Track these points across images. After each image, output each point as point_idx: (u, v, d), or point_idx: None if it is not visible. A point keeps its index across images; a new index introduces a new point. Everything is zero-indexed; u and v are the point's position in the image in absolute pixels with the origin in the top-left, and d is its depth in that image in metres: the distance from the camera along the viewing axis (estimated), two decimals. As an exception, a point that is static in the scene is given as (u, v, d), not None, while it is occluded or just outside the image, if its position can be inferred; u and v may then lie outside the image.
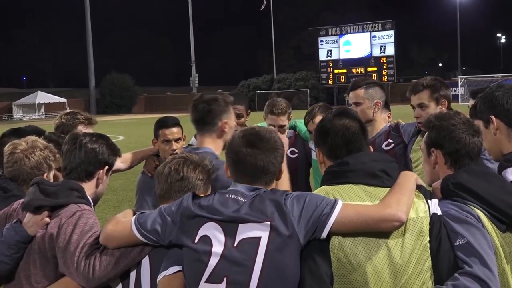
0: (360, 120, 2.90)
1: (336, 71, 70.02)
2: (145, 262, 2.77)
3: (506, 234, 2.68)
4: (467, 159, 2.84)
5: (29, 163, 3.53)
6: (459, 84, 55.95)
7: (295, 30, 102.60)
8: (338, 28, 71.55)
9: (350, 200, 2.61)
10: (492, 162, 3.81)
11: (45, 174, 3.53)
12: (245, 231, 2.55)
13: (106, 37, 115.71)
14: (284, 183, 3.02)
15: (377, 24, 68.62)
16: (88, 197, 3.18)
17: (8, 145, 3.63)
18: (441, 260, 2.54)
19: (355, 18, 74.73)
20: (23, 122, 53.80)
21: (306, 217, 2.54)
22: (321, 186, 2.82)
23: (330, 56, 70.73)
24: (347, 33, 70.40)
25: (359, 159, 2.73)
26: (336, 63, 70.13)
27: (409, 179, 2.69)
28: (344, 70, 69.26)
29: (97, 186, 3.28)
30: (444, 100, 4.43)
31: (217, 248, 2.56)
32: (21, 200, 3.17)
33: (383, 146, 4.66)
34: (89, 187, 3.22)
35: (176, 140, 4.65)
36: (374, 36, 68.21)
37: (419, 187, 2.72)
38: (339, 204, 2.54)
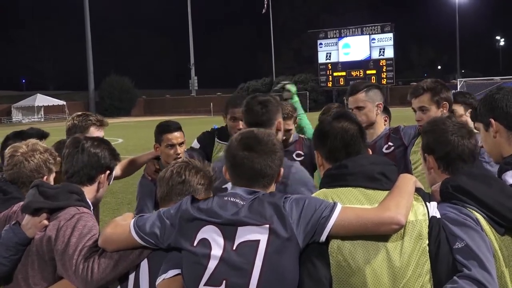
0: (359, 123, 2.90)
1: (335, 74, 70.14)
2: (144, 265, 2.76)
3: (504, 237, 2.68)
4: (460, 162, 2.84)
5: (29, 166, 3.54)
6: (458, 86, 55.94)
7: (294, 32, 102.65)
8: (337, 30, 71.68)
9: (349, 203, 2.61)
10: (492, 166, 3.82)
11: (45, 177, 3.54)
12: (244, 234, 2.55)
13: (105, 39, 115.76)
14: None
15: (376, 27, 68.73)
16: (88, 200, 3.18)
17: (8, 147, 3.65)
18: (440, 263, 2.54)
19: (354, 20, 74.78)
20: (22, 125, 53.76)
21: (305, 220, 2.53)
22: (320, 189, 2.81)
23: (329, 59, 70.84)
24: (346, 36, 70.53)
25: (358, 162, 2.73)
26: (335, 66, 70.24)
27: (408, 182, 2.69)
28: (343, 73, 69.37)
29: (97, 190, 3.28)
30: (445, 102, 4.40)
31: (216, 251, 2.55)
32: (21, 203, 3.17)
33: (384, 149, 4.65)
34: (90, 191, 3.23)
35: (180, 144, 4.67)
36: (373, 39, 68.33)
37: (418, 190, 2.71)
38: (338, 207, 2.54)
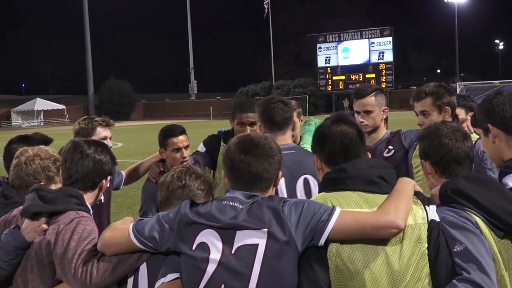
0: (358, 126, 2.90)
1: (334, 78, 70.10)
2: (143, 269, 2.77)
3: (504, 240, 2.67)
4: (455, 165, 2.84)
5: (26, 170, 3.57)
6: (458, 90, 55.83)
7: (293, 36, 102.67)
8: (336, 34, 71.66)
9: (348, 207, 2.61)
10: (494, 172, 3.81)
11: (41, 183, 3.53)
12: (242, 238, 2.55)
13: (105, 44, 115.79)
14: None
15: (375, 31, 68.76)
16: (88, 204, 3.18)
17: (19, 150, 3.71)
18: (440, 266, 2.54)
19: (353, 24, 74.80)
20: (22, 129, 53.81)
21: (304, 223, 2.53)
22: (319, 193, 2.81)
23: (329, 63, 70.82)
24: (345, 40, 70.52)
25: (357, 165, 2.73)
26: (335, 70, 70.22)
27: (407, 186, 2.68)
28: (343, 77, 69.34)
29: (98, 195, 3.30)
30: (447, 107, 4.37)
31: (215, 255, 2.55)
32: (21, 207, 3.18)
33: (384, 153, 4.64)
34: (91, 196, 3.23)
35: (186, 147, 4.70)
36: (373, 43, 68.33)
37: (417, 194, 2.71)
38: (337, 211, 2.54)
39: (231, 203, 2.65)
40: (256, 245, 2.53)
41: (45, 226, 2.99)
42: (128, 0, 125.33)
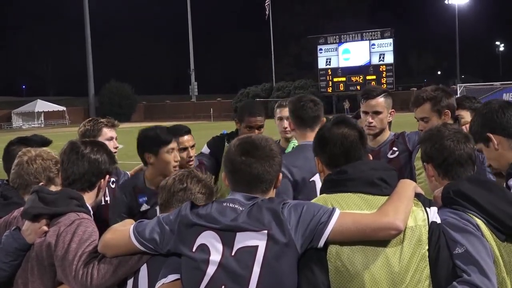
0: (359, 129, 2.89)
1: (335, 79, 70.03)
2: (143, 270, 2.77)
3: (505, 243, 2.67)
4: (458, 167, 2.84)
5: (27, 169, 3.58)
6: (458, 92, 55.79)
7: (294, 38, 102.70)
8: (337, 36, 71.63)
9: (348, 209, 2.61)
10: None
11: (41, 184, 3.53)
12: (242, 240, 2.55)
13: (105, 45, 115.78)
14: None
15: (376, 33, 68.72)
16: (88, 205, 3.18)
17: (22, 150, 3.72)
18: (440, 268, 2.54)
19: (353, 26, 74.81)
20: (23, 131, 53.83)
21: (303, 225, 2.54)
22: (320, 194, 2.81)
23: (329, 64, 70.76)
24: (346, 41, 70.48)
25: (358, 167, 2.73)
26: (335, 71, 70.16)
27: (407, 187, 2.68)
28: (343, 78, 69.29)
29: (97, 195, 3.29)
30: (447, 111, 4.37)
31: (215, 256, 2.56)
32: (21, 208, 3.18)
33: (388, 155, 4.64)
34: (90, 197, 3.23)
35: (192, 147, 4.73)
36: (373, 44, 68.29)
37: (418, 195, 2.71)
38: (337, 213, 2.54)
39: (231, 205, 2.65)
40: (256, 247, 2.53)
41: (45, 228, 3.00)
42: (128, 2, 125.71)
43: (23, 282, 3.04)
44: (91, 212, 3.21)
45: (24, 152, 3.66)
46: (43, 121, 77.81)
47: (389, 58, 67.42)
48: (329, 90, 70.68)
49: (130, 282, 2.79)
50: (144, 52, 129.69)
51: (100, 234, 2.93)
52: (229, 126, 5.36)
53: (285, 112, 4.93)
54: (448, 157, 2.84)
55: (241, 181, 2.72)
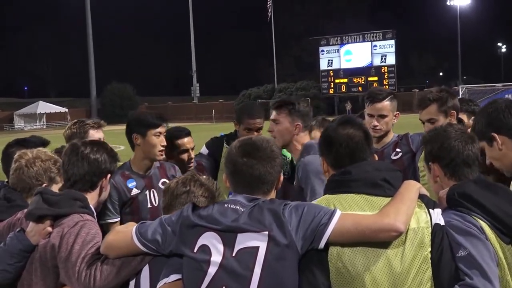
0: (365, 129, 2.88)
1: (337, 81, 70.00)
2: (145, 271, 2.78)
3: (510, 246, 2.65)
4: (465, 167, 2.83)
5: (28, 172, 3.56)
6: (460, 93, 55.77)
7: (295, 39, 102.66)
8: (338, 37, 71.61)
9: (350, 210, 2.61)
10: None
11: (44, 185, 3.53)
12: (243, 241, 2.56)
13: (107, 47, 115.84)
14: None
15: (377, 34, 68.69)
16: (91, 207, 3.18)
17: (17, 153, 3.70)
18: (442, 270, 2.53)
19: (355, 27, 74.80)
20: (25, 132, 53.81)
21: (304, 227, 2.54)
22: (323, 195, 2.81)
23: (331, 66, 70.72)
24: (347, 43, 70.45)
25: (362, 168, 2.72)
26: (337, 73, 70.12)
27: (411, 189, 2.68)
28: (345, 80, 69.27)
29: (100, 194, 3.29)
30: (453, 111, 4.36)
31: (216, 257, 2.56)
32: (25, 210, 3.18)
33: (392, 156, 4.64)
34: (92, 197, 3.24)
35: (192, 149, 4.78)
36: (375, 46, 68.26)
37: (422, 197, 2.70)
38: (337, 214, 2.54)
39: (232, 206, 2.66)
40: (257, 248, 2.54)
41: (50, 229, 3.01)
42: (129, 3, 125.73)
43: (28, 284, 3.05)
44: (95, 214, 3.21)
45: (21, 155, 3.63)
46: (45, 123, 77.87)
47: (391, 59, 67.39)
48: (331, 91, 70.67)
49: (132, 283, 2.80)
50: (144, 52, 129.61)
51: (103, 233, 2.93)
52: (231, 128, 5.34)
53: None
54: (455, 157, 2.82)
55: (243, 183, 2.73)
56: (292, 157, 4.49)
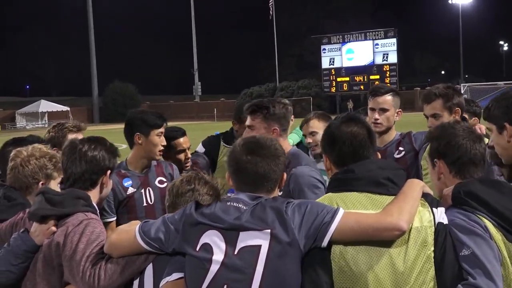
0: (368, 127, 2.87)
1: (338, 79, 69.95)
2: (149, 269, 2.79)
3: None
4: (471, 166, 2.82)
5: (23, 171, 3.56)
6: (462, 91, 55.83)
7: (296, 38, 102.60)
8: (340, 36, 71.55)
9: (353, 208, 2.60)
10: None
11: (41, 183, 3.54)
12: (245, 239, 2.56)
13: (109, 46, 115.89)
14: None
15: (379, 32, 68.62)
16: (94, 204, 3.18)
17: (13, 152, 3.68)
18: (445, 269, 2.53)
19: (356, 26, 74.73)
20: (27, 131, 53.78)
21: (306, 225, 2.54)
22: (326, 193, 2.80)
23: (333, 64, 70.67)
24: (349, 41, 70.38)
25: (365, 166, 2.71)
26: (339, 71, 70.07)
27: (414, 187, 2.66)
28: (347, 78, 69.23)
29: (101, 191, 3.29)
30: (457, 108, 4.36)
31: (218, 255, 2.57)
32: (28, 209, 3.18)
33: (395, 154, 4.63)
34: (94, 195, 3.23)
35: (188, 148, 4.81)
36: (377, 44, 68.19)
37: (425, 196, 2.69)
38: (340, 212, 2.54)
39: (235, 204, 2.66)
40: (259, 246, 2.54)
41: (54, 228, 3.00)
42: (131, 2, 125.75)
43: (31, 284, 3.05)
44: (98, 211, 3.21)
45: (16, 154, 3.62)
46: (47, 121, 77.81)
47: (393, 58, 67.31)
48: (333, 90, 70.63)
49: (136, 282, 2.80)
50: (145, 52, 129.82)
51: None
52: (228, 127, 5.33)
53: None
54: (462, 155, 2.81)
55: (246, 180, 2.73)
56: None
